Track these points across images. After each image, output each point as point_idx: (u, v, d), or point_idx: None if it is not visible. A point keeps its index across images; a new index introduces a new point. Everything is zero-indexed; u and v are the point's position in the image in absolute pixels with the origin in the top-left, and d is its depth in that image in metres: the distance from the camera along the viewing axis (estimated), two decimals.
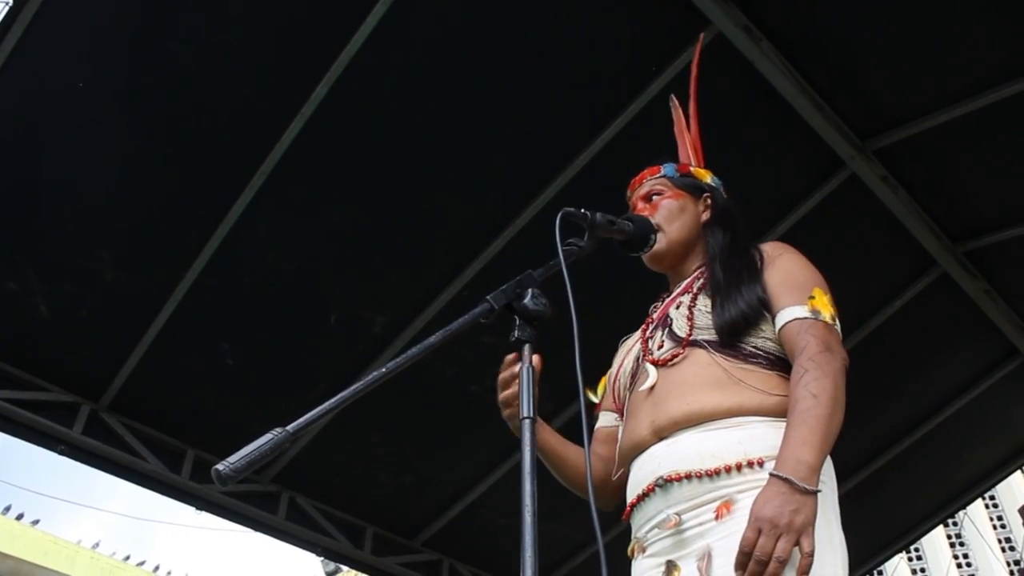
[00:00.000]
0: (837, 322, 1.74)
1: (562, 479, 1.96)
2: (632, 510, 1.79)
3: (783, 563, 1.42)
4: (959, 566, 12.19)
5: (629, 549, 1.80)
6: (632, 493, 1.79)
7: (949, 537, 12.42)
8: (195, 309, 3.75)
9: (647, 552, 1.72)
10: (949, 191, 3.96)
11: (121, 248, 3.58)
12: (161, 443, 4.23)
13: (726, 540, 1.56)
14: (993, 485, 6.34)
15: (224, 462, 1.16)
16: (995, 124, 3.57)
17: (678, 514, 1.65)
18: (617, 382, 1.98)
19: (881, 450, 5.06)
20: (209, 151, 3.36)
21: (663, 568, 1.65)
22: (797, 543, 1.44)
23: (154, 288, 3.70)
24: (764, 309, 1.77)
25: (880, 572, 10.98)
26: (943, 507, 6.02)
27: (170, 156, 3.37)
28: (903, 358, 4.64)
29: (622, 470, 1.87)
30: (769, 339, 1.76)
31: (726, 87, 3.32)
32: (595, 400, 2.10)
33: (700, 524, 1.62)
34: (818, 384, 1.59)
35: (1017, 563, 11.16)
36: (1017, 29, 3.27)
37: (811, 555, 1.44)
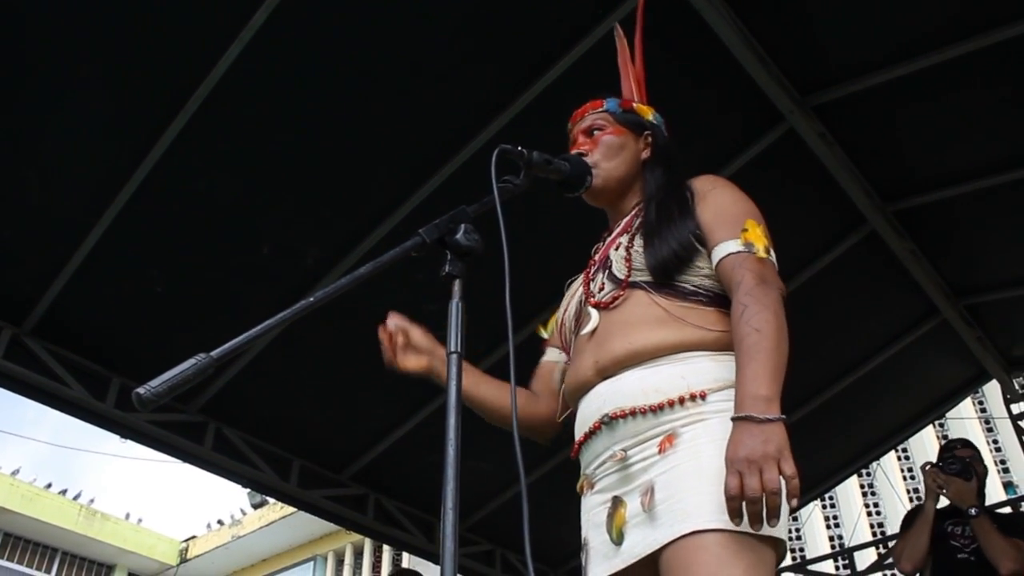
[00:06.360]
0: (772, 253, 1.75)
1: (489, 419, 1.98)
2: (580, 448, 1.82)
3: (776, 492, 1.43)
4: (869, 514, 12.66)
5: (578, 486, 1.83)
6: (579, 431, 1.81)
7: (862, 487, 12.85)
8: (124, 234, 3.66)
9: (595, 488, 1.75)
10: (883, 151, 4.04)
11: (48, 168, 3.47)
12: (86, 370, 4.16)
13: (667, 474, 1.59)
14: (906, 438, 6.57)
15: (145, 386, 1.15)
16: (933, 87, 3.64)
17: (624, 449, 1.67)
18: (563, 325, 1.99)
19: (803, 401, 5.21)
20: (143, 72, 3.25)
21: (610, 504, 1.68)
22: (779, 470, 1.45)
23: (82, 211, 3.60)
24: (699, 245, 1.78)
25: (795, 518, 11.35)
26: (858, 457, 6.24)
27: (102, 74, 3.26)
28: (828, 313, 4.75)
29: (568, 411, 1.89)
30: (707, 276, 1.76)
31: (671, 35, 3.32)
32: (545, 336, 2.11)
33: (644, 459, 1.64)
34: (759, 317, 1.60)
35: None
36: None
37: (795, 476, 1.45)
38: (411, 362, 1.97)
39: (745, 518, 1.45)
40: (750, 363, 1.56)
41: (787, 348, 1.60)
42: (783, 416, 1.50)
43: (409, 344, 1.97)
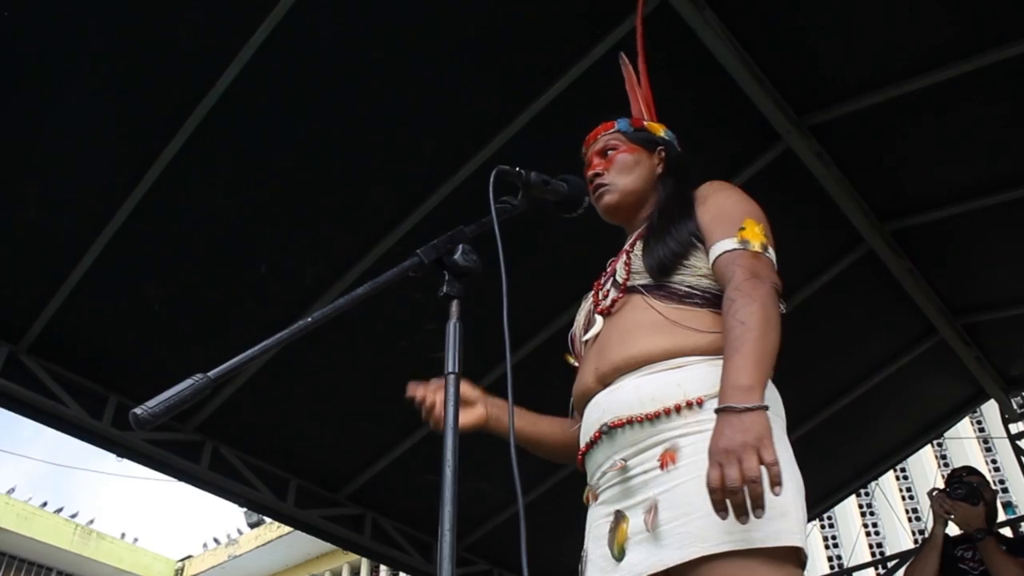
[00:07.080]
0: (770, 251, 1.75)
1: (546, 455, 2.03)
2: (583, 458, 1.82)
3: (756, 481, 1.40)
4: (868, 534, 12.59)
5: (584, 496, 1.83)
6: (582, 441, 1.82)
7: (860, 507, 12.80)
8: (122, 252, 3.66)
9: (599, 500, 1.75)
10: (880, 170, 4.04)
11: (46, 186, 3.47)
12: (82, 388, 4.15)
13: (671, 492, 1.57)
14: (905, 458, 6.55)
15: (142, 406, 1.14)
16: (930, 106, 3.65)
17: (624, 459, 1.67)
18: (575, 337, 2.00)
19: (801, 421, 5.19)
20: (143, 90, 3.26)
21: (612, 518, 1.67)
22: (760, 459, 1.41)
23: (80, 228, 3.60)
24: (699, 243, 1.80)
25: None
26: (857, 477, 6.22)
27: (101, 92, 3.26)
28: (826, 332, 4.75)
29: (579, 421, 1.89)
30: (704, 276, 1.77)
31: (668, 56, 3.33)
32: (575, 364, 2.09)
33: (645, 472, 1.64)
34: (745, 310, 1.59)
35: (922, 532, 11.57)
36: (954, 13, 3.33)
37: (775, 463, 1.41)
38: (465, 418, 1.93)
39: (732, 517, 1.43)
40: (734, 355, 1.55)
41: (775, 339, 1.59)
42: (765, 405, 1.48)
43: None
